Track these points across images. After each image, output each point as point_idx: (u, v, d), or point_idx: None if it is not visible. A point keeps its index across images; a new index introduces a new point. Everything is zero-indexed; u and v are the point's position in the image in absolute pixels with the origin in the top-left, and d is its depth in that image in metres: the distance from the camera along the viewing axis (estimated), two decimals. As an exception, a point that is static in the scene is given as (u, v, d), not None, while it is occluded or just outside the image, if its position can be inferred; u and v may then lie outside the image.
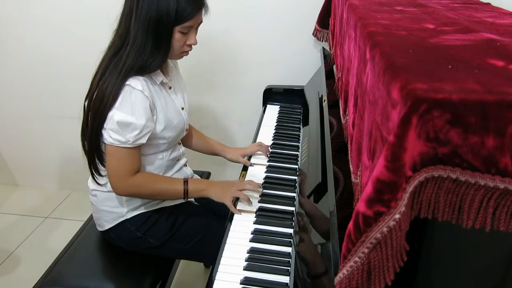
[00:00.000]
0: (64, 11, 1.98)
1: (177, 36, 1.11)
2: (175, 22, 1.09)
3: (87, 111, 1.14)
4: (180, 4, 1.07)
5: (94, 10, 1.95)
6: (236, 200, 1.22)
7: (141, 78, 1.11)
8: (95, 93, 1.10)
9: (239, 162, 1.46)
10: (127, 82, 1.08)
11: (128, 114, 1.08)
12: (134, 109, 1.09)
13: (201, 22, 1.17)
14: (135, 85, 1.09)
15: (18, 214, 2.25)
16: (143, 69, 1.11)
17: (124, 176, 1.14)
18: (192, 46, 1.18)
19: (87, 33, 2.01)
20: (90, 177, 1.28)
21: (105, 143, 1.13)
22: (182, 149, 1.38)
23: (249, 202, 1.20)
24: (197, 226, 1.29)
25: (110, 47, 1.14)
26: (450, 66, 0.49)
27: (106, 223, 1.28)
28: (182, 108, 1.29)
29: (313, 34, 1.88)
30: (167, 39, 1.10)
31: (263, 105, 1.93)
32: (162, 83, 1.20)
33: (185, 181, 1.21)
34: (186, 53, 1.20)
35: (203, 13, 1.16)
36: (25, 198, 2.39)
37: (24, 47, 2.09)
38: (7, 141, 2.36)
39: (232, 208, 1.18)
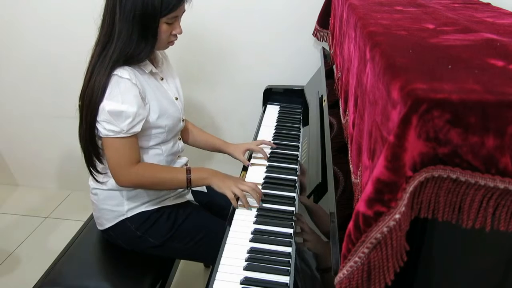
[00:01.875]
0: (64, 11, 1.98)
1: (163, 27, 1.14)
2: (161, 13, 1.11)
3: (80, 110, 1.15)
4: None
5: (94, 10, 1.95)
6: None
7: (127, 67, 1.12)
8: (86, 92, 1.11)
9: (239, 159, 1.46)
10: (114, 72, 1.09)
11: (118, 102, 1.09)
12: (124, 97, 1.10)
13: (184, 11, 1.19)
14: (122, 74, 1.10)
15: (18, 214, 2.25)
16: (129, 60, 1.12)
17: (125, 167, 1.14)
18: (178, 35, 1.20)
19: (87, 33, 1.99)
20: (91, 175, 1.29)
21: (101, 137, 1.13)
22: (181, 144, 1.38)
23: (247, 206, 1.19)
24: (197, 226, 1.29)
25: (97, 45, 1.15)
26: (450, 66, 0.49)
27: (106, 222, 1.28)
28: (176, 98, 1.29)
29: (313, 34, 1.88)
30: (154, 31, 1.12)
31: (263, 105, 1.93)
32: (152, 73, 1.21)
33: (188, 170, 1.21)
34: (172, 42, 1.22)
35: (186, 2, 1.17)
36: (25, 198, 2.39)
37: (24, 47, 2.09)
38: (7, 141, 2.36)
39: (233, 201, 1.18)
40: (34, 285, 1.19)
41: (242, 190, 1.19)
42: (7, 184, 2.50)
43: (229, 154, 1.49)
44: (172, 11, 1.12)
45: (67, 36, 2.03)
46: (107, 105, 1.09)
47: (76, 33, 2.02)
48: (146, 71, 1.19)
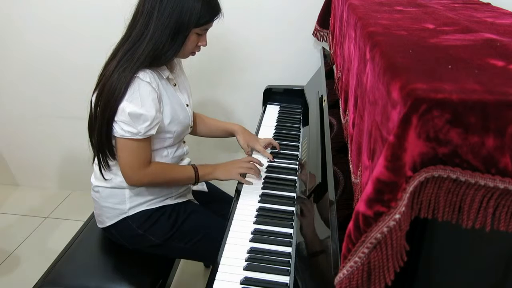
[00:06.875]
0: (64, 11, 1.98)
1: (192, 37, 1.17)
2: (195, 25, 1.14)
3: (95, 105, 1.15)
4: (203, 9, 1.13)
5: (94, 10, 1.95)
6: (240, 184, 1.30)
7: (148, 71, 1.14)
8: (106, 85, 1.11)
9: (242, 147, 1.49)
10: (136, 74, 1.11)
11: (138, 105, 1.10)
12: (144, 100, 1.11)
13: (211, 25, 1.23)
14: (143, 77, 1.11)
15: (18, 214, 2.26)
16: (155, 61, 1.14)
17: (139, 168, 1.16)
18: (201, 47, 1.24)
19: (87, 33, 2.01)
20: (93, 173, 1.29)
21: (115, 136, 1.14)
22: (186, 147, 1.39)
23: (258, 175, 1.32)
24: (198, 225, 1.30)
25: (124, 42, 1.15)
26: (450, 66, 0.49)
27: (107, 220, 1.28)
28: (187, 105, 1.31)
29: (313, 34, 1.88)
30: (183, 38, 1.15)
31: (263, 105, 1.93)
32: (168, 79, 1.24)
33: (194, 167, 1.28)
34: (194, 53, 1.25)
35: (219, 18, 1.21)
36: (25, 198, 2.39)
37: (24, 47, 2.09)
38: (7, 141, 2.36)
39: (243, 181, 1.30)
40: (34, 285, 1.19)
41: (243, 167, 1.31)
42: (7, 184, 2.50)
43: (236, 138, 1.51)
44: (206, 23, 1.17)
45: (67, 36, 2.03)
46: (127, 107, 1.09)
47: (77, 33, 2.02)
48: (164, 76, 1.21)
